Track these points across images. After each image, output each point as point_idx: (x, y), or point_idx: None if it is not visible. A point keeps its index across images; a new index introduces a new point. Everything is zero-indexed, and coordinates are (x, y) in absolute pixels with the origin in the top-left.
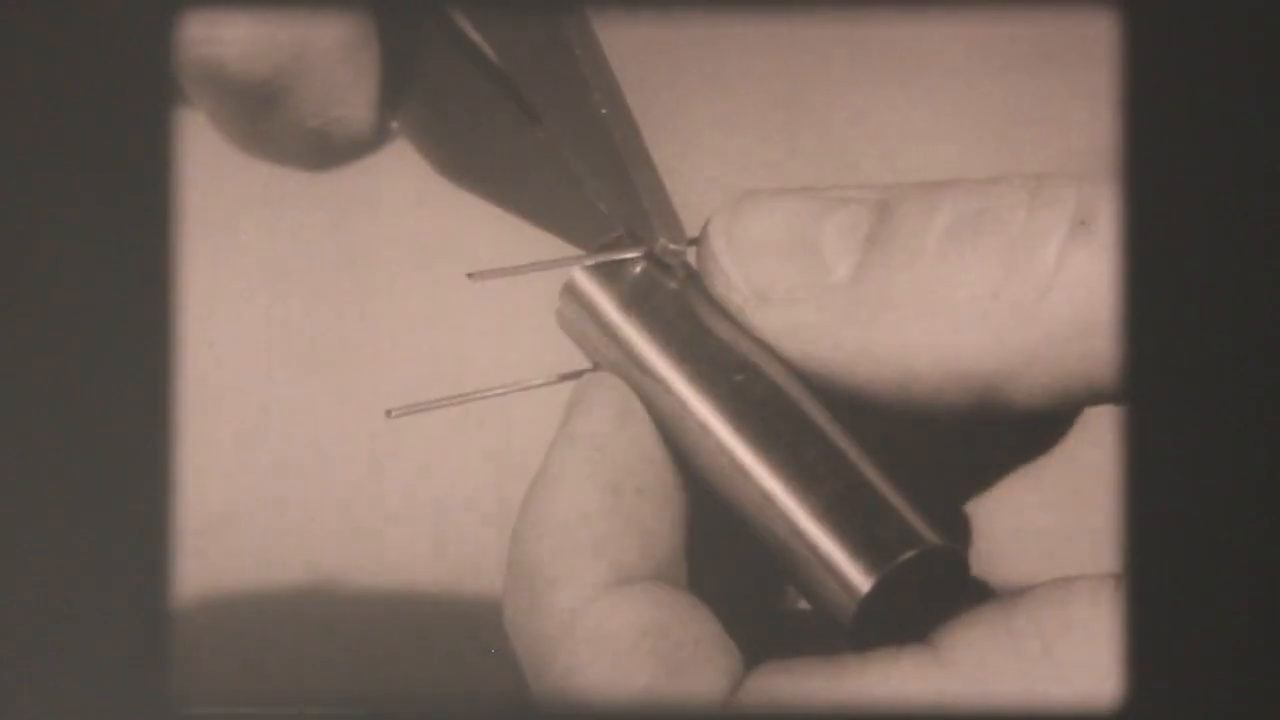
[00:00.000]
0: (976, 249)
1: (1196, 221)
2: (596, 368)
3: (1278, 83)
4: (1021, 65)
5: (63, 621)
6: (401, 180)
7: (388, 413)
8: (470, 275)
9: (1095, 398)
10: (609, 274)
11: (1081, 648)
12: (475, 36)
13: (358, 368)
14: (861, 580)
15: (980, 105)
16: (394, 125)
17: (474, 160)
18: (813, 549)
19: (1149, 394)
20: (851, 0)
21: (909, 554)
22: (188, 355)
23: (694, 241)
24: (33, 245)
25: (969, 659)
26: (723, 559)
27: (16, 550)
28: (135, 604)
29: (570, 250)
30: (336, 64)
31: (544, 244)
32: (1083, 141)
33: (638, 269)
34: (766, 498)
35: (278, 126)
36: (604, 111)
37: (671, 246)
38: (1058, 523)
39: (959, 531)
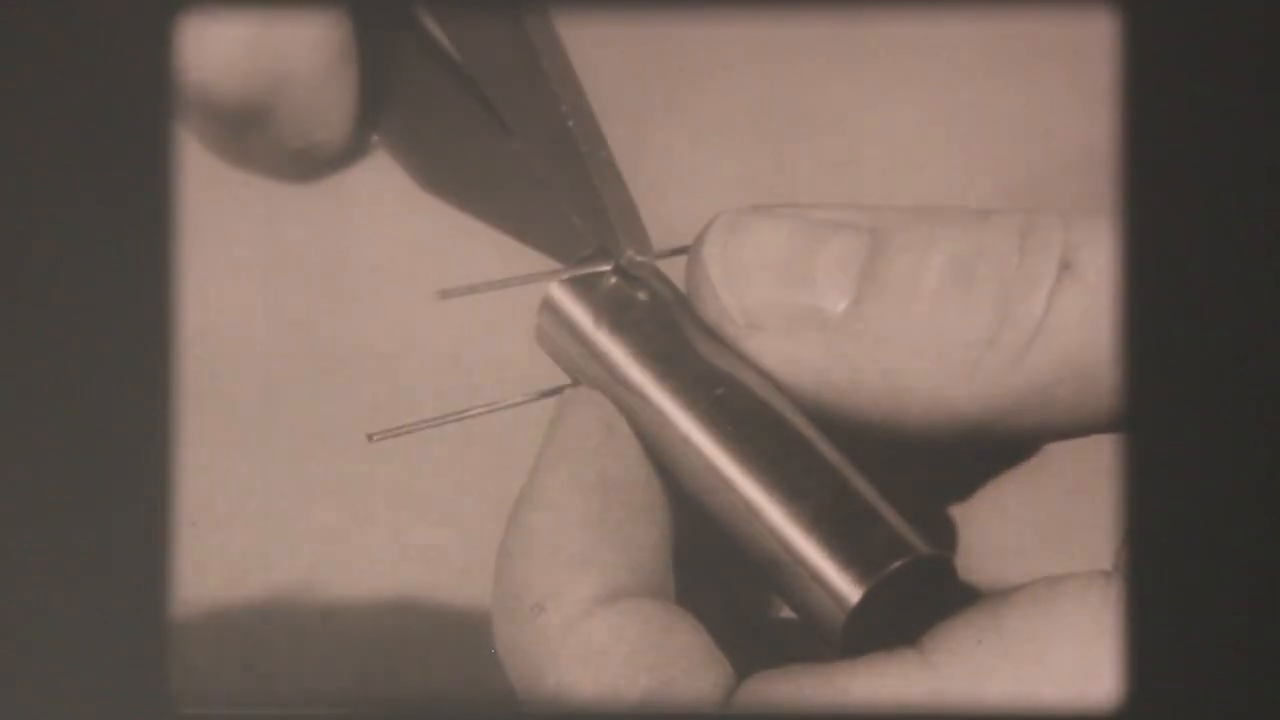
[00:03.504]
0: (971, 295)
1: (1196, 221)
2: (576, 383)
3: (1277, 81)
4: (1021, 65)
5: (63, 621)
6: (401, 187)
7: (369, 437)
8: (441, 293)
9: (1085, 432)
10: (587, 288)
11: (1072, 646)
12: (449, 48)
13: (354, 369)
14: (850, 591)
15: (979, 105)
16: (375, 139)
17: (451, 173)
18: (800, 561)
19: (1148, 397)
20: (849, 0)
21: (897, 563)
22: (187, 355)
23: (678, 252)
24: (33, 245)
25: (959, 661)
26: (710, 571)
27: (16, 550)
28: (135, 604)
29: (547, 263)
30: (318, 87)
31: (524, 257)
32: (1081, 142)
33: (614, 282)
34: (751, 511)
35: (260, 146)
36: (570, 124)
37: (638, 258)
38: (1048, 524)
39: (946, 536)
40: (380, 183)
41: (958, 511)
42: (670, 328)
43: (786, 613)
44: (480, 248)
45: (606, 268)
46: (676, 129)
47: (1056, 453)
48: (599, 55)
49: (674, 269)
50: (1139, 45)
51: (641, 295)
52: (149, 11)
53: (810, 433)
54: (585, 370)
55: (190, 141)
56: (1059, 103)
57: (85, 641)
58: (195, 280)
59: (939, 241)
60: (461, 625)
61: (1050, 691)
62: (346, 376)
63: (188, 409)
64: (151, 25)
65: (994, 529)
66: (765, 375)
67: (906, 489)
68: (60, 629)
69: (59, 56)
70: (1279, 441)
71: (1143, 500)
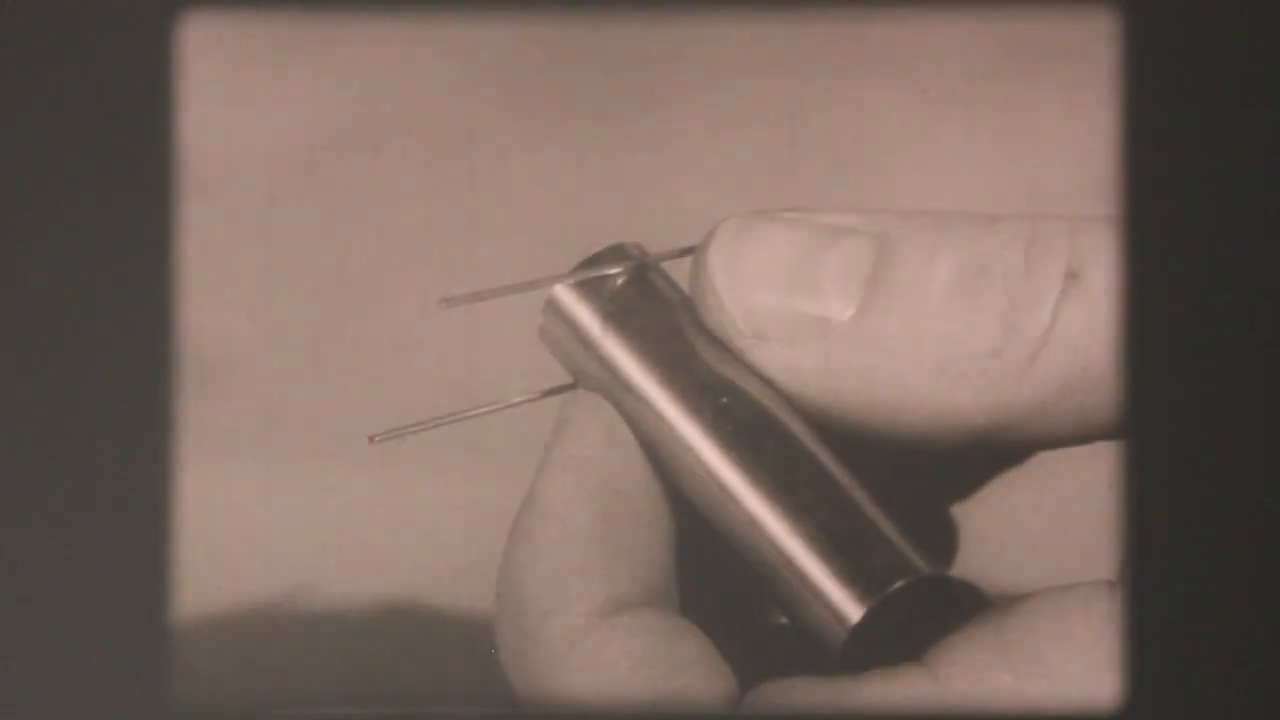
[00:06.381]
0: (977, 305)
1: (1198, 224)
2: (579, 384)
3: (1278, 82)
4: (1021, 65)
5: (64, 623)
6: (402, 188)
7: (370, 438)
8: (444, 301)
9: (1089, 440)
10: (593, 290)
11: (1077, 658)
12: None
13: (355, 371)
14: (852, 609)
15: (979, 106)
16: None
17: None
18: (802, 577)
19: (1151, 406)
20: (850, 0)
21: (899, 584)
22: (187, 357)
23: (685, 253)
24: (33, 245)
25: (964, 675)
26: (714, 580)
27: (18, 551)
28: (136, 605)
29: (550, 268)
30: None
31: (526, 262)
32: (1082, 142)
33: (620, 284)
34: (754, 524)
35: None
36: None
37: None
38: (1050, 532)
39: (949, 544)
40: (382, 185)
41: (961, 519)
42: (676, 333)
43: (789, 624)
44: (483, 250)
45: (614, 271)
46: (686, 128)
47: (1059, 461)
48: (610, 54)
49: (679, 270)
50: (1139, 45)
51: (648, 298)
52: (149, 11)
53: (814, 445)
54: (589, 373)
55: (190, 141)
56: (1060, 104)
57: (87, 642)
58: (195, 282)
59: (944, 249)
60: (461, 625)
61: (1056, 705)
62: (347, 377)
63: (188, 410)
64: (151, 25)
65: (997, 537)
66: (770, 384)
67: (910, 497)
68: (62, 630)
69: (59, 56)
70: (1279, 449)
71: (1145, 509)
